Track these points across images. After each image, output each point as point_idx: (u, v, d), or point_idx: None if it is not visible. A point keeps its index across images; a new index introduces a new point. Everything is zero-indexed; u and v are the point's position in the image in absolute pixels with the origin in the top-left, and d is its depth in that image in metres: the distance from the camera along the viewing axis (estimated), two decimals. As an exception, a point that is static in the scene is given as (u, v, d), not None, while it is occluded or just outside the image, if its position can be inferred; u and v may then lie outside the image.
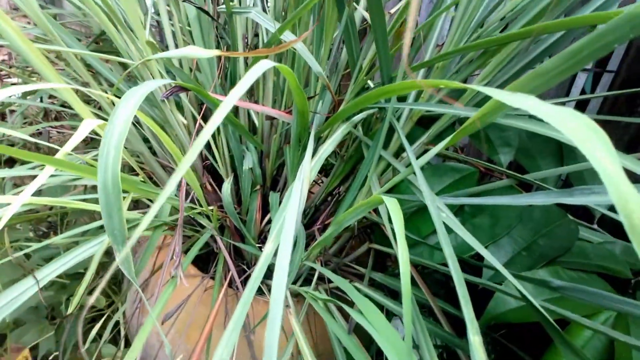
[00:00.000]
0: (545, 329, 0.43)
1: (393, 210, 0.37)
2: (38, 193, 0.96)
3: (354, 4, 0.62)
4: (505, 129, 0.74)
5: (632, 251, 0.65)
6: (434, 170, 0.72)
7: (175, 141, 0.79)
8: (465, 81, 0.59)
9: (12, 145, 1.12)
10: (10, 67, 1.29)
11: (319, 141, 0.73)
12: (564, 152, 0.75)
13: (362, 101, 0.46)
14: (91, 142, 1.12)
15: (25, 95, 1.03)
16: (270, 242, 0.40)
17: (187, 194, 0.75)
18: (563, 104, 0.99)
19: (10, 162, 1.17)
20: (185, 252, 0.80)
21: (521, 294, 0.41)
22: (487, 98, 0.31)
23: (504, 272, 0.42)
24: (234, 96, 0.28)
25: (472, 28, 0.54)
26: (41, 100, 1.07)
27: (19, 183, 1.10)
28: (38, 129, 0.95)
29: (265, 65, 0.32)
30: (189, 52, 0.50)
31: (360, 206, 0.44)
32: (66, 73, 0.81)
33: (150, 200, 0.81)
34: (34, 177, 0.45)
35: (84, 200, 0.60)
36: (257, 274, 0.39)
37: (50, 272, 0.45)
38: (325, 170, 1.18)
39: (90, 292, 1.01)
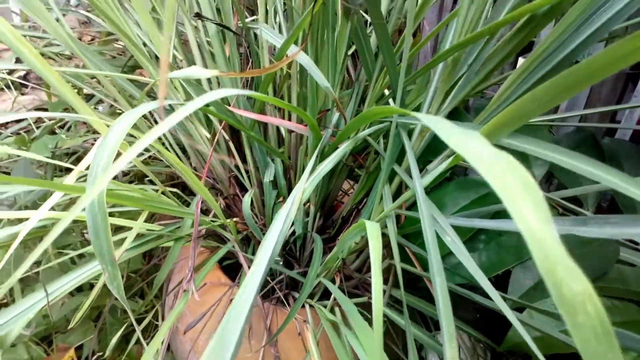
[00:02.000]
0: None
1: (372, 238, 0.35)
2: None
3: (362, 12, 0.60)
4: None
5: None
6: (459, 184, 0.68)
7: (197, 155, 0.81)
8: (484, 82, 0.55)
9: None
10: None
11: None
12: (608, 164, 0.68)
13: (356, 123, 0.45)
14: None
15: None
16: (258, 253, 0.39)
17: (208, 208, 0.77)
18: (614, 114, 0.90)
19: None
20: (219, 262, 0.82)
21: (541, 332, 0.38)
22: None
23: (500, 303, 0.39)
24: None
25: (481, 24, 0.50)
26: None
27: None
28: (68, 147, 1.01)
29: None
30: (192, 73, 0.50)
31: (352, 230, 0.42)
32: (91, 86, 0.85)
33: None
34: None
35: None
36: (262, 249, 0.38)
37: (89, 274, 0.48)
38: (356, 178, 1.16)
39: (132, 296, 1.06)
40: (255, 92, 0.40)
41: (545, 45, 0.39)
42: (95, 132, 1.09)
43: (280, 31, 0.81)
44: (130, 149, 0.29)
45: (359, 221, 0.39)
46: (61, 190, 0.44)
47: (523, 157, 0.70)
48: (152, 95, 0.90)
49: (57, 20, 0.75)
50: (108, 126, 0.59)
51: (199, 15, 0.61)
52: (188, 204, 0.93)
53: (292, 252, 0.86)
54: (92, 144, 1.03)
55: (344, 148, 0.53)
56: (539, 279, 0.59)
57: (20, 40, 0.48)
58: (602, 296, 0.55)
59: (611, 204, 0.80)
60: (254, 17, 0.84)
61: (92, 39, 1.55)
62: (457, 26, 0.46)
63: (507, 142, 0.38)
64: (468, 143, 0.21)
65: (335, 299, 0.69)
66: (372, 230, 0.34)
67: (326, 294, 0.74)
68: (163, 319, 1.01)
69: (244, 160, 0.85)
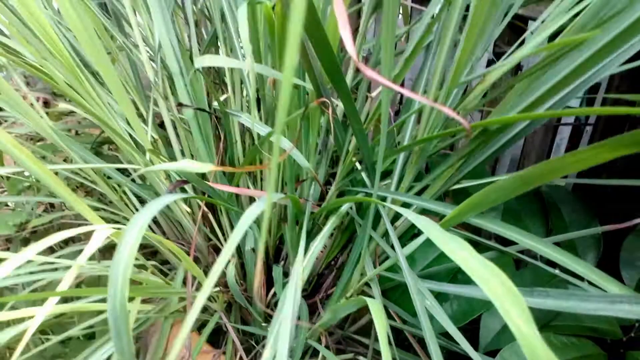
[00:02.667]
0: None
1: (376, 314, 0.41)
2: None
3: (334, 99, 0.68)
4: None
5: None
6: (427, 239, 0.75)
7: (178, 227, 0.84)
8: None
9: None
10: None
11: (313, 222, 0.77)
12: (549, 211, 0.78)
13: (341, 201, 0.51)
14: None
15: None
16: (268, 349, 0.44)
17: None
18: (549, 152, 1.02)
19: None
20: (198, 329, 0.83)
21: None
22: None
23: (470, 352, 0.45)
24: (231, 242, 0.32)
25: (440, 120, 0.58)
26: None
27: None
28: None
29: (260, 205, 0.36)
30: (185, 166, 0.55)
31: (348, 303, 0.47)
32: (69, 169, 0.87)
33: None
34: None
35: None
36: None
37: None
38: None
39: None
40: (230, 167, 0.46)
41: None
42: (60, 208, 1.09)
43: (249, 110, 0.87)
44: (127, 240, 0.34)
45: (357, 298, 0.44)
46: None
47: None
48: (133, 179, 0.92)
49: (32, 105, 0.77)
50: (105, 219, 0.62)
51: (181, 105, 0.66)
52: (165, 274, 0.94)
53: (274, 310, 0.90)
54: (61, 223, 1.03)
55: (330, 225, 0.59)
56: (505, 323, 0.66)
57: (17, 147, 0.51)
58: (557, 334, 0.63)
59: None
60: (225, 95, 0.90)
61: (45, 103, 1.54)
62: (422, 120, 0.54)
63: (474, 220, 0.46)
64: (459, 253, 0.27)
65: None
66: (375, 308, 0.40)
67: (314, 353, 0.78)
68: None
69: (219, 228, 0.89)
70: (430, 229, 0.32)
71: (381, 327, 0.38)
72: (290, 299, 0.42)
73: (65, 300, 0.71)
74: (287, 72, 0.22)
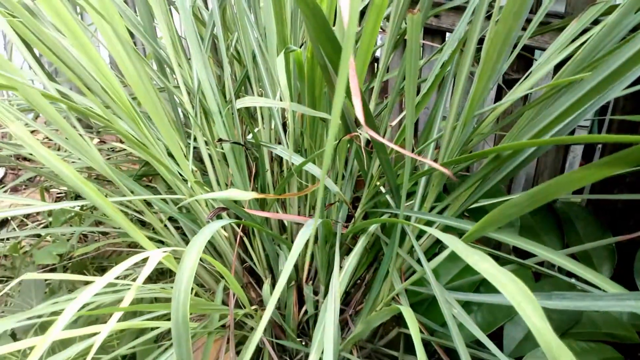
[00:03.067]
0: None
1: (409, 319, 0.46)
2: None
3: (358, 130, 0.74)
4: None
5: (637, 316, 0.71)
6: (449, 255, 0.80)
7: (213, 253, 0.90)
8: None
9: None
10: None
11: (340, 242, 0.83)
12: (563, 226, 0.83)
13: (371, 222, 0.57)
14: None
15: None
16: (313, 354, 0.49)
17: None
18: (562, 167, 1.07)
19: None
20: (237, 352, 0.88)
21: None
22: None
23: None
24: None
25: (460, 145, 0.64)
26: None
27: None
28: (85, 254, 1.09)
29: (307, 230, 0.43)
30: (231, 195, 0.62)
31: (382, 312, 0.53)
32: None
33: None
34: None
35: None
36: None
37: None
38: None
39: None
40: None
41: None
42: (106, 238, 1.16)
43: (277, 142, 0.94)
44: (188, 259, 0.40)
45: (390, 307, 0.49)
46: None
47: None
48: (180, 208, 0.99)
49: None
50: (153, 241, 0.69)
51: (221, 140, 0.73)
52: (198, 296, 1.01)
53: (305, 330, 0.95)
54: (108, 251, 1.10)
55: (362, 243, 0.64)
56: (528, 331, 0.71)
57: (83, 182, 0.58)
58: (578, 340, 0.67)
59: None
60: (256, 129, 0.97)
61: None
62: (441, 148, 0.60)
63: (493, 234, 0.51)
64: (482, 264, 0.33)
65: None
66: (407, 314, 0.45)
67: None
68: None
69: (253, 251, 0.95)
70: (455, 244, 0.37)
71: (414, 328, 0.43)
72: (331, 306, 0.48)
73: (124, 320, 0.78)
74: (334, 114, 0.29)
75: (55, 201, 1.87)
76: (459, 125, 0.56)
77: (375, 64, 1.31)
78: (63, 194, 1.83)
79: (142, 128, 0.65)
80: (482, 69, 0.50)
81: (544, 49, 0.89)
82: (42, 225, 1.61)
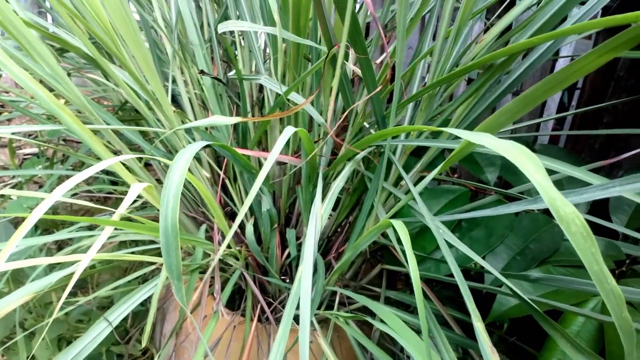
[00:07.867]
0: (537, 320, 0.52)
1: (401, 231, 0.46)
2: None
3: (344, 61, 0.73)
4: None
5: (614, 246, 0.74)
6: (431, 193, 0.81)
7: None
8: (446, 115, 0.69)
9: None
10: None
11: (325, 179, 0.82)
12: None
13: (365, 142, 0.56)
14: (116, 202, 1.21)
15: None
16: (294, 288, 0.49)
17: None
18: (538, 125, 1.09)
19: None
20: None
21: (512, 292, 0.50)
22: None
23: (498, 275, 0.51)
24: (273, 155, 0.37)
25: (447, 69, 0.64)
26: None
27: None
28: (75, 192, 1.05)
29: (289, 131, 0.42)
30: (214, 121, 0.60)
31: (372, 230, 0.53)
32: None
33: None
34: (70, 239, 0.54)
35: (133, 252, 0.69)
36: (290, 305, 0.47)
37: (118, 314, 0.54)
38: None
39: (127, 341, 1.08)
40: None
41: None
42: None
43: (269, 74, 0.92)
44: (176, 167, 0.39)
45: (381, 221, 0.49)
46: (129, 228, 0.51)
47: (479, 168, 0.85)
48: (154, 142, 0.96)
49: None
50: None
51: (203, 72, 0.71)
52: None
53: (287, 272, 0.95)
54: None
55: (350, 166, 0.64)
56: (507, 261, 0.73)
57: (58, 105, 0.55)
58: (556, 266, 0.69)
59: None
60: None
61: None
62: (431, 67, 0.60)
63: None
64: (484, 139, 0.33)
65: (338, 308, 0.78)
66: (400, 226, 0.45)
67: (329, 307, 0.83)
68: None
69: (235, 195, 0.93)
70: (458, 131, 0.37)
71: (406, 240, 0.43)
72: (311, 236, 0.48)
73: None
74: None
75: (22, 162, 1.80)
76: (452, 33, 0.55)
77: None
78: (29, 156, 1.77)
79: (122, 55, 0.62)
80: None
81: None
82: (10, 186, 1.55)
